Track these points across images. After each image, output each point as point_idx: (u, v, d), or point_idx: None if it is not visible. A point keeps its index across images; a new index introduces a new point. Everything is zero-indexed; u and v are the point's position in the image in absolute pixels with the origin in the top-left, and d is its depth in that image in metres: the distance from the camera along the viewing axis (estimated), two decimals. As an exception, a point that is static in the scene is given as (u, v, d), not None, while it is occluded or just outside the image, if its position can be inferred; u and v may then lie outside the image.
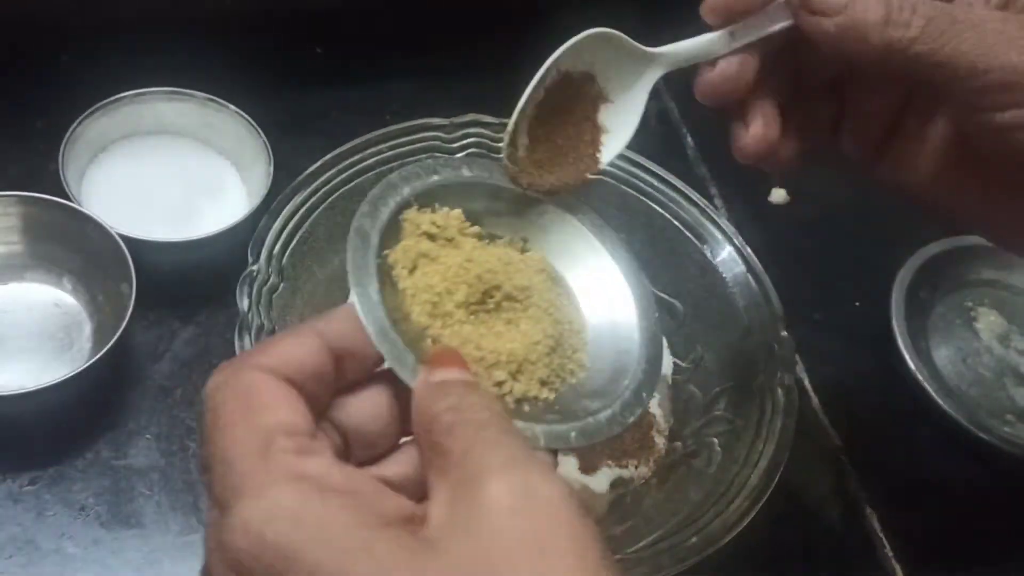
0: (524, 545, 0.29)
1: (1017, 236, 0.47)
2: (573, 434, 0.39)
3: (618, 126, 0.45)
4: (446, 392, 0.34)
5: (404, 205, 0.41)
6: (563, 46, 0.42)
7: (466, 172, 0.43)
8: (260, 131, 0.68)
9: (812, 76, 0.47)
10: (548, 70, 0.42)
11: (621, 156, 0.64)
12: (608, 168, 0.64)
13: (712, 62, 0.44)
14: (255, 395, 0.33)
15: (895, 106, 0.47)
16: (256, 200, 0.65)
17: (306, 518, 0.30)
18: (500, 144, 0.54)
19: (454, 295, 0.39)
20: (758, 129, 0.45)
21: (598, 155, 0.45)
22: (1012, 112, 0.40)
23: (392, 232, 0.41)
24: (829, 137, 0.48)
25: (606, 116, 0.45)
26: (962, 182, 0.46)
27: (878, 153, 0.48)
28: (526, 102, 0.42)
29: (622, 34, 0.43)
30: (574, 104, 0.44)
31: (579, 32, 0.43)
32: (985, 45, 0.40)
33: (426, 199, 0.42)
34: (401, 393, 0.36)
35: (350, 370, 0.36)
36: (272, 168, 0.66)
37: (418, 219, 0.41)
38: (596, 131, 0.45)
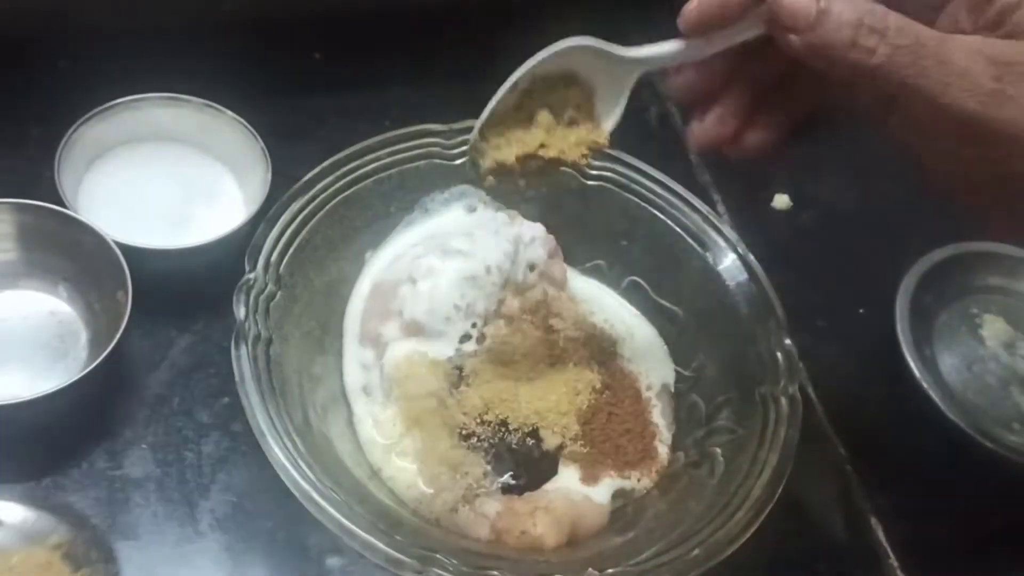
0: None
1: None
2: None
3: (603, 115, 0.50)
4: None
5: None
6: (537, 56, 0.46)
7: None
8: (258, 137, 0.67)
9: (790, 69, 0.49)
10: (521, 78, 0.47)
11: (622, 163, 0.64)
12: (610, 175, 0.65)
13: (679, 68, 0.48)
14: None
15: None
16: (254, 207, 0.64)
17: None
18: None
19: None
20: (708, 125, 0.48)
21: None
22: (967, 149, 0.43)
23: None
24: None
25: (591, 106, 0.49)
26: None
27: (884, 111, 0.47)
28: (498, 103, 0.47)
29: (598, 41, 0.47)
30: (558, 99, 0.48)
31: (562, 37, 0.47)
32: (947, 83, 0.41)
33: None
34: None
35: None
36: (270, 174, 0.65)
37: None
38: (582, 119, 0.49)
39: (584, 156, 0.51)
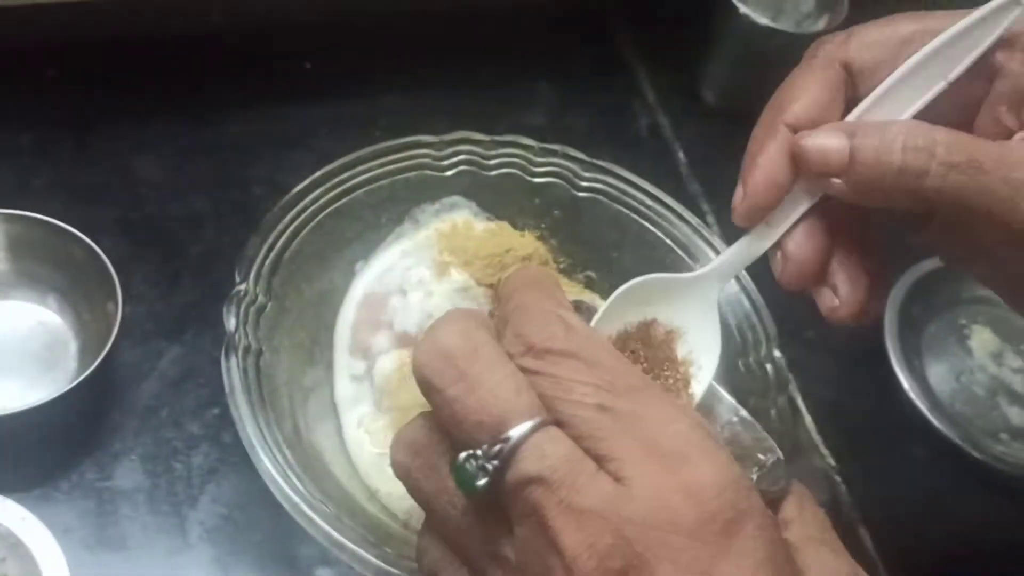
0: None
1: None
2: None
3: (701, 353, 0.45)
4: None
5: None
6: (609, 299, 0.42)
7: None
8: None
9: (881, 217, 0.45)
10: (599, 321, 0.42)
11: (613, 174, 0.65)
12: (600, 186, 0.65)
13: (778, 253, 0.43)
14: None
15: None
16: None
17: None
18: (490, 161, 0.58)
19: None
20: (847, 294, 0.43)
21: (691, 391, 0.44)
22: None
23: None
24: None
25: (685, 349, 0.45)
26: None
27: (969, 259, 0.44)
28: (599, 320, 0.43)
29: (659, 274, 0.44)
30: (649, 349, 0.44)
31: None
32: (1016, 203, 0.36)
33: None
34: None
35: None
36: None
37: None
38: (678, 365, 0.44)
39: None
